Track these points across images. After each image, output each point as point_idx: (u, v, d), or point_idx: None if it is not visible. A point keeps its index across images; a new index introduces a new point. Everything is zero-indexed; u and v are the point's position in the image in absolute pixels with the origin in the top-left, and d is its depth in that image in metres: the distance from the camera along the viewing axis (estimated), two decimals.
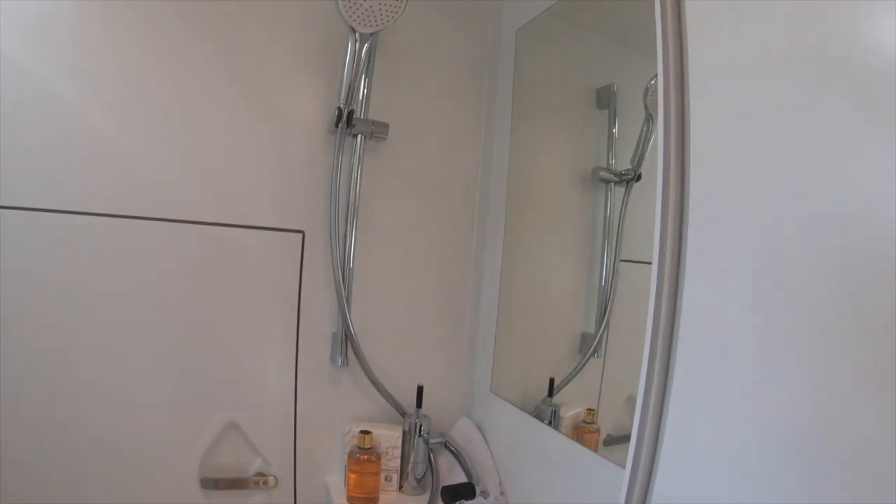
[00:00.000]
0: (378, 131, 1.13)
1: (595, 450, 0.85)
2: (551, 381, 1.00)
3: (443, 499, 1.00)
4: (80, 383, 1.03)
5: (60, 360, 1.01)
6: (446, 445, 1.16)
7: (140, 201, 1.03)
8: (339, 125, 1.10)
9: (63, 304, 1.00)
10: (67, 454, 1.03)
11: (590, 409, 0.89)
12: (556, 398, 0.98)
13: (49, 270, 0.99)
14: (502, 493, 1.13)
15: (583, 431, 0.89)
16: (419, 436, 1.13)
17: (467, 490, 1.02)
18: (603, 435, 0.86)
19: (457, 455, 1.13)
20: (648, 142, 0.83)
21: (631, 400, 0.68)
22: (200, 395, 1.11)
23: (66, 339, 1.01)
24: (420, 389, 1.14)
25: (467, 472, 1.09)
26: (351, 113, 1.09)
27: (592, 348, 0.91)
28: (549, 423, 0.98)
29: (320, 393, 1.18)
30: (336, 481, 1.19)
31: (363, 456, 1.10)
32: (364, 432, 1.10)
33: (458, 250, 1.24)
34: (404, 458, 1.16)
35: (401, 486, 1.17)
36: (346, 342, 1.14)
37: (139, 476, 1.10)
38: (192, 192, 1.07)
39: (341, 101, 1.09)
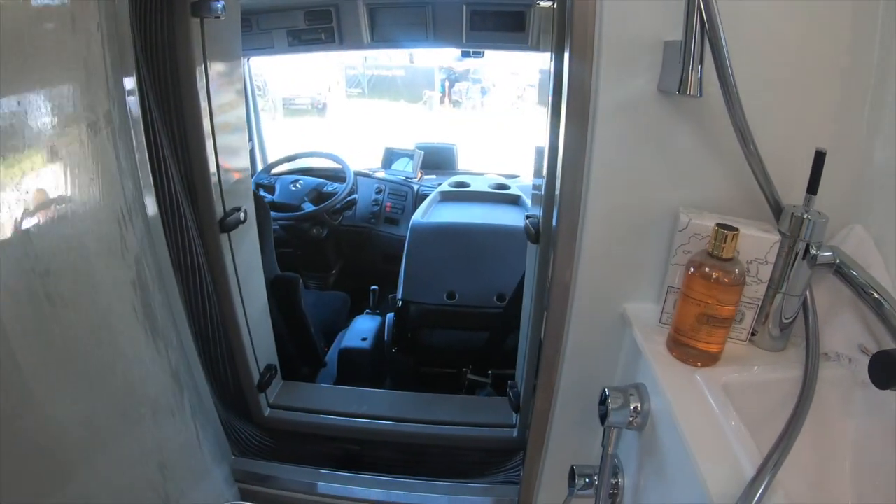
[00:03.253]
0: None
1: None
2: None
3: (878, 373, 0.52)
4: None
5: None
6: (839, 269, 0.68)
7: None
8: None
9: None
10: None
11: None
12: None
13: None
14: None
15: None
16: (805, 247, 0.67)
17: None
18: None
19: (861, 287, 0.64)
20: None
21: None
22: None
23: None
24: (820, 158, 0.64)
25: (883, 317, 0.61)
26: None
27: None
28: None
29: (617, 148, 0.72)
30: (644, 313, 0.77)
31: (719, 271, 0.65)
32: (725, 228, 0.64)
33: None
34: (771, 285, 0.70)
35: (753, 333, 0.73)
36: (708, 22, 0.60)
37: None
38: None
39: None
